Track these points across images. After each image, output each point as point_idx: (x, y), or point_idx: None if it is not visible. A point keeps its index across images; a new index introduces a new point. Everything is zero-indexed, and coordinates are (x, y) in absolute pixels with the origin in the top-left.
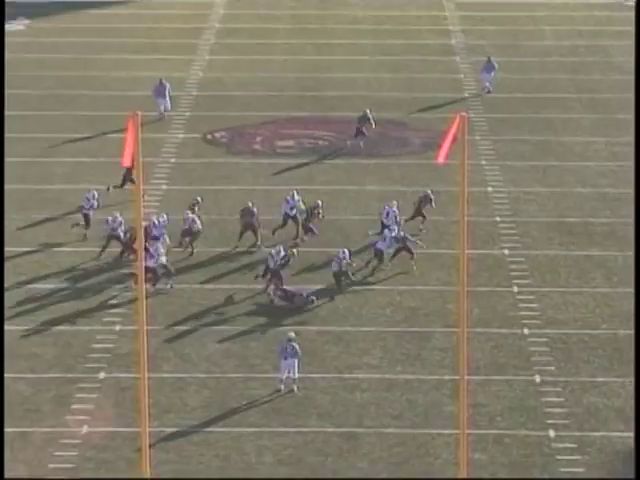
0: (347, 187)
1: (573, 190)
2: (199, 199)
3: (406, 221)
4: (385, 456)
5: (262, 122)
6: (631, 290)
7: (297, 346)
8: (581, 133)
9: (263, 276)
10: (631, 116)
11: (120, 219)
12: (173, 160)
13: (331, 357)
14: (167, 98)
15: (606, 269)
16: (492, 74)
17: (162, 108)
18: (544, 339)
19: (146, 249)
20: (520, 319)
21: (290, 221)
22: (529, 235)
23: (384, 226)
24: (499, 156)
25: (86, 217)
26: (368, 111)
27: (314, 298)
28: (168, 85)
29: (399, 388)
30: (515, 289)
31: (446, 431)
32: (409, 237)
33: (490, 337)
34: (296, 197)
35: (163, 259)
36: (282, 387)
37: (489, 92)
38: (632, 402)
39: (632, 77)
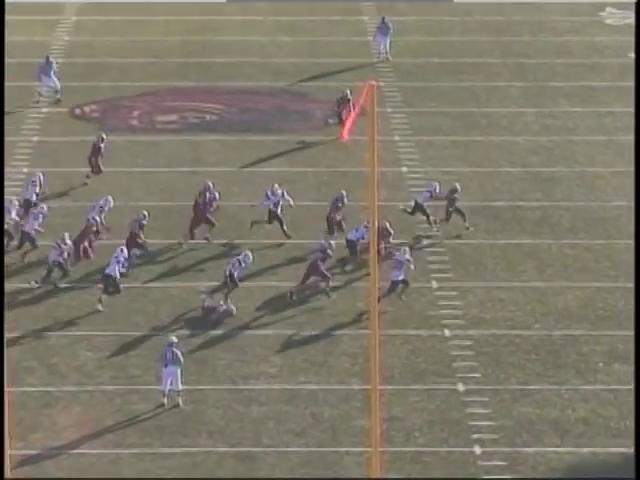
0: (240, 169)
1: (500, 169)
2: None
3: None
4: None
5: (140, 94)
6: (567, 284)
7: (179, 352)
8: (508, 103)
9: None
10: (564, 84)
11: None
12: (35, 138)
13: (223, 366)
14: (52, 77)
15: (538, 260)
16: (387, 38)
17: (44, 90)
18: (468, 342)
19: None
20: (440, 319)
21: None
22: (450, 222)
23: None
24: (414, 131)
25: None
26: (349, 92)
27: (233, 309)
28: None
29: (302, 400)
30: (434, 284)
31: (357, 449)
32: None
33: (406, 340)
34: (278, 190)
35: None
36: (165, 401)
37: (386, 59)
38: (569, 412)
39: (567, 38)
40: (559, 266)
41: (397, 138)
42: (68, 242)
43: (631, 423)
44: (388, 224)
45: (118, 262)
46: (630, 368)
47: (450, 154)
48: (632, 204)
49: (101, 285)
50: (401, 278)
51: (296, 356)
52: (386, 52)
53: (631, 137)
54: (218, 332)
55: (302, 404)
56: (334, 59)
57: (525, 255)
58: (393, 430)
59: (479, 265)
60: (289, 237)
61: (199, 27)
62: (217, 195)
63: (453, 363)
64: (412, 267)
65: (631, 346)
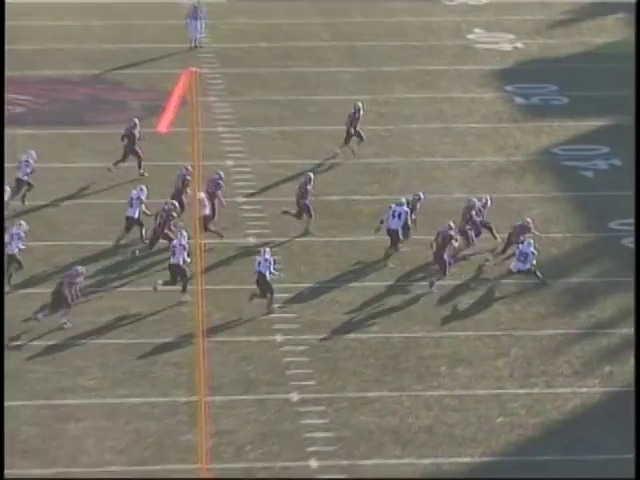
0: (51, 164)
1: (332, 161)
2: None
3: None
4: None
5: None
6: (405, 283)
7: None
8: (340, 90)
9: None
10: (399, 68)
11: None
12: None
13: (37, 379)
14: None
15: (376, 258)
16: (199, 22)
17: None
18: (302, 347)
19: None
20: (271, 323)
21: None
22: (279, 218)
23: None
24: (240, 121)
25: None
26: (361, 105)
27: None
28: None
29: (123, 415)
30: None
31: (184, 466)
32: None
33: (235, 347)
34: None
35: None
36: None
37: (196, 47)
38: (410, 420)
39: (401, 19)
40: (396, 264)
41: (221, 129)
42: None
43: (476, 430)
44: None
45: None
46: (474, 371)
47: (279, 145)
48: (473, 195)
49: None
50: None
51: (116, 367)
52: (197, 39)
53: (473, 124)
54: (33, 343)
55: (123, 419)
56: (151, 44)
57: (361, 253)
58: (222, 445)
59: (312, 264)
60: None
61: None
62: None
63: (286, 371)
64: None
65: (475, 348)
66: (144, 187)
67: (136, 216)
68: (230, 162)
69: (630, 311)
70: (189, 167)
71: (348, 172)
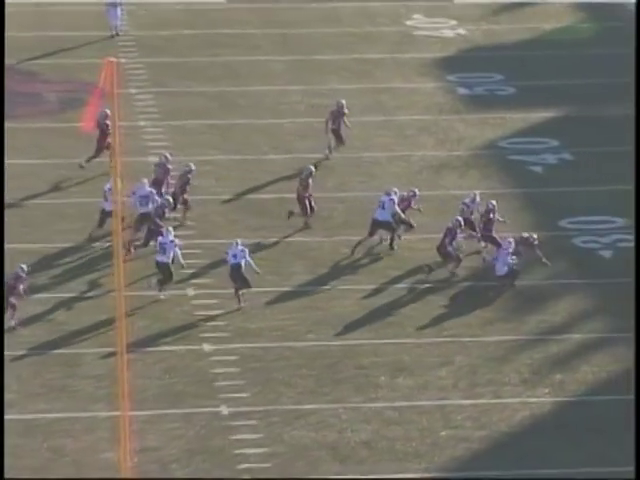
0: None
1: (264, 157)
2: None
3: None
4: None
5: None
6: (343, 287)
7: None
8: (271, 80)
9: None
10: (333, 57)
11: None
12: None
13: None
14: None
15: (310, 260)
16: (118, 9)
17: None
18: (232, 357)
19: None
20: (199, 332)
21: None
22: (206, 219)
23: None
24: (164, 114)
25: None
26: (344, 102)
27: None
28: None
29: (40, 431)
30: (191, 292)
31: None
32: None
33: (160, 357)
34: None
35: None
36: None
37: (116, 35)
38: (348, 434)
39: (335, 5)
40: (334, 267)
41: (143, 123)
42: None
43: (419, 444)
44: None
45: None
46: (416, 381)
47: (206, 140)
48: (417, 192)
49: None
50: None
51: (31, 380)
52: (117, 26)
53: (413, 116)
54: None
55: (40, 436)
56: (67, 32)
57: (295, 255)
58: (147, 462)
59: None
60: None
61: None
62: None
63: (215, 382)
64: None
65: (417, 356)
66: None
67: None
68: (154, 158)
69: (582, 315)
70: (168, 155)
71: (280, 168)
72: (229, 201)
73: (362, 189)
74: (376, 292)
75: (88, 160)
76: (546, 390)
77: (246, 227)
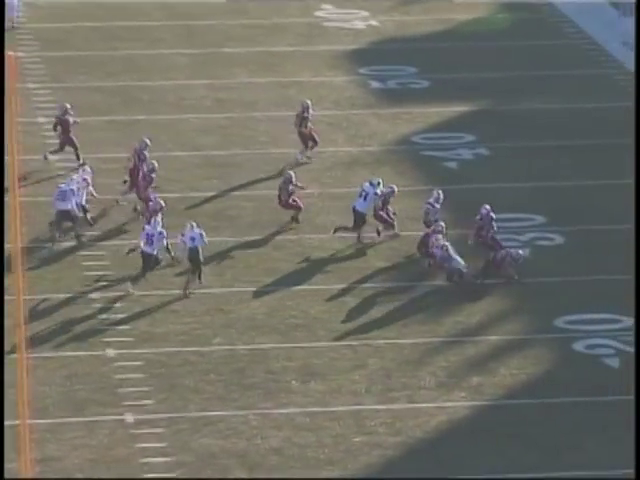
0: None
1: (167, 154)
2: None
3: None
4: None
5: None
6: (251, 289)
7: None
8: (175, 75)
9: None
10: (239, 50)
11: None
12: None
13: None
14: None
15: (216, 261)
16: (15, 1)
17: None
18: (136, 362)
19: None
20: (102, 336)
21: None
22: (109, 219)
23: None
24: None
25: None
26: (309, 103)
27: None
28: None
29: None
30: (94, 295)
31: None
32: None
33: (62, 363)
34: None
35: None
36: None
37: (13, 27)
38: (258, 442)
39: None
40: (241, 268)
41: (42, 120)
42: None
43: (331, 451)
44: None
45: None
46: (328, 386)
47: (107, 137)
48: (330, 190)
49: None
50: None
51: None
52: (14, 19)
53: (323, 111)
54: None
55: None
56: None
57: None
58: (48, 473)
59: (140, 269)
60: None
61: None
62: None
63: (119, 389)
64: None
65: (329, 360)
66: (88, 168)
67: (69, 208)
68: (54, 157)
69: (499, 316)
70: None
71: (185, 166)
72: (134, 201)
73: (272, 187)
74: (285, 294)
75: (52, 152)
76: (463, 394)
77: None
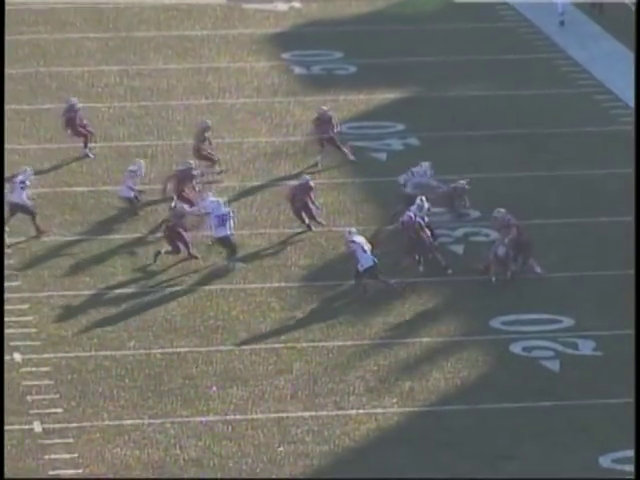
0: None
1: (79, 145)
2: None
3: None
4: None
5: None
6: (167, 290)
7: None
8: (84, 60)
9: None
10: (153, 34)
11: None
12: None
13: None
14: None
15: (131, 260)
16: None
17: None
18: (45, 368)
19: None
20: (8, 340)
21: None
22: (17, 215)
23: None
24: None
25: None
26: (325, 109)
27: None
28: None
29: None
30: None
31: None
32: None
33: None
34: None
35: None
36: None
37: None
38: (176, 452)
39: None
40: (158, 267)
41: None
42: None
43: (254, 462)
44: None
45: None
46: (250, 392)
47: (13, 127)
48: (252, 183)
49: None
50: None
51: None
52: None
53: (243, 99)
54: None
55: None
56: None
57: (114, 253)
58: None
59: (56, 268)
60: None
61: None
62: None
63: (27, 396)
64: None
65: (251, 364)
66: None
67: (21, 202)
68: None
69: (432, 317)
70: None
71: (96, 158)
72: (42, 195)
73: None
74: (204, 294)
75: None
76: (394, 399)
77: (58, 223)
